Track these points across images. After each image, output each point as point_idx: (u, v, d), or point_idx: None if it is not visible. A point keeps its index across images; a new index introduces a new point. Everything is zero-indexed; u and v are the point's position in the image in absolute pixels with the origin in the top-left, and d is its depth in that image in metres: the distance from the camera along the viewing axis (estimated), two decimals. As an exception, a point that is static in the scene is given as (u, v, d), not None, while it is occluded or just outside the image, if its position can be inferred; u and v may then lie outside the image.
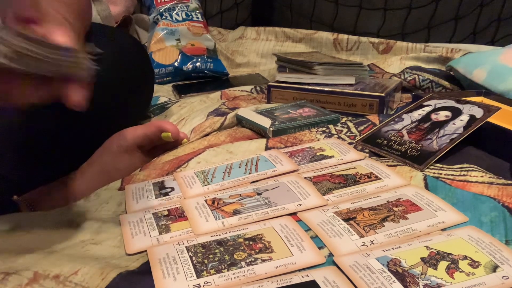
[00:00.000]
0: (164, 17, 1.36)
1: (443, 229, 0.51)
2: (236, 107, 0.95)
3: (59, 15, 0.52)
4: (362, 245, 0.49)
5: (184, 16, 1.37)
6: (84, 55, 0.45)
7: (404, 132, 0.73)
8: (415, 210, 0.54)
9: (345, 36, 1.40)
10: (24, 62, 0.41)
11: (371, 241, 0.50)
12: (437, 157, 0.66)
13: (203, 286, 0.45)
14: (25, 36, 0.42)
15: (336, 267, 0.47)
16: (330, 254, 0.49)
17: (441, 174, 0.63)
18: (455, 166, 0.64)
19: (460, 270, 0.44)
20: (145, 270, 0.48)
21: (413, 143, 0.70)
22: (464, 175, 0.61)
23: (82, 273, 0.46)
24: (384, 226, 0.52)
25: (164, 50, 1.32)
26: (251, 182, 0.65)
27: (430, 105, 0.78)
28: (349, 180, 0.62)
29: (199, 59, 1.32)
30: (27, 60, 0.42)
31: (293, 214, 0.56)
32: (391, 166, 0.66)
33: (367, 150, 0.72)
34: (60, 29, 0.46)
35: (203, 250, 0.50)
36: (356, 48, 1.38)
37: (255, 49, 1.47)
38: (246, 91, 1.12)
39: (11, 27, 0.43)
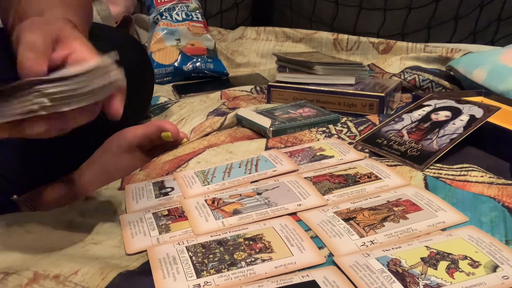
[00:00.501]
0: (164, 17, 1.36)
1: (443, 229, 0.51)
2: (236, 107, 0.95)
3: (68, 22, 0.53)
4: (362, 245, 0.49)
5: (184, 16, 1.37)
6: (114, 68, 0.47)
7: (404, 132, 0.73)
8: (415, 210, 0.54)
9: (345, 36, 1.40)
10: (66, 103, 0.44)
11: (371, 241, 0.50)
12: (437, 157, 0.66)
13: (203, 286, 0.45)
14: (59, 79, 0.44)
15: (336, 267, 0.47)
16: (330, 254, 0.49)
17: (441, 174, 0.63)
18: (455, 166, 0.64)
19: (460, 270, 0.44)
20: (145, 270, 0.48)
21: (413, 143, 0.70)
22: (464, 175, 0.61)
23: (82, 273, 0.46)
24: (384, 226, 0.52)
25: (164, 50, 1.32)
26: (251, 182, 0.65)
27: (430, 105, 0.78)
28: (349, 180, 0.62)
29: (199, 59, 1.32)
30: (68, 101, 0.44)
31: (293, 214, 0.56)
32: (391, 166, 0.66)
33: (367, 150, 0.72)
34: (81, 46, 0.49)
35: (203, 250, 0.50)
36: (356, 48, 1.38)
37: (255, 49, 1.47)
38: (246, 91, 1.12)
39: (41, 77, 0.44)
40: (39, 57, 0.46)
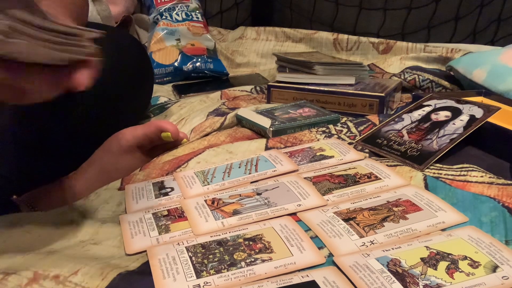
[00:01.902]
0: (164, 17, 1.36)
1: (443, 229, 0.51)
2: (236, 107, 0.95)
3: (60, 16, 0.52)
4: (362, 245, 0.49)
5: (184, 16, 1.37)
6: (85, 35, 0.45)
7: (404, 132, 0.73)
8: (415, 210, 0.54)
9: (345, 36, 1.40)
10: (36, 53, 0.40)
11: (371, 241, 0.50)
12: (437, 157, 0.66)
13: (203, 286, 0.45)
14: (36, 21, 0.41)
15: (336, 267, 0.47)
16: (330, 254, 0.49)
17: (441, 174, 0.63)
18: (455, 166, 0.64)
19: (460, 270, 0.44)
20: (145, 270, 0.48)
21: (413, 143, 0.70)
22: (464, 175, 0.61)
23: (82, 273, 0.46)
24: (384, 226, 0.52)
25: (164, 50, 1.32)
26: (251, 182, 0.65)
27: (430, 105, 0.78)
28: (349, 180, 0.62)
29: (199, 59, 1.32)
30: (38, 50, 0.40)
31: (293, 214, 0.56)
32: (391, 166, 0.66)
33: (367, 150, 0.72)
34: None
35: (203, 250, 0.50)
36: (356, 48, 1.38)
37: (255, 49, 1.47)
38: (246, 91, 1.12)
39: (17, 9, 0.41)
40: None
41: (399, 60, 1.21)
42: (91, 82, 0.44)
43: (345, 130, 0.80)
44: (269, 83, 1.02)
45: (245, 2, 1.71)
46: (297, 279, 0.45)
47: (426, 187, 0.60)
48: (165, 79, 1.30)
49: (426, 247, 0.48)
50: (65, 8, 0.59)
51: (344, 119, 0.85)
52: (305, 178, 0.64)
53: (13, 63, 0.40)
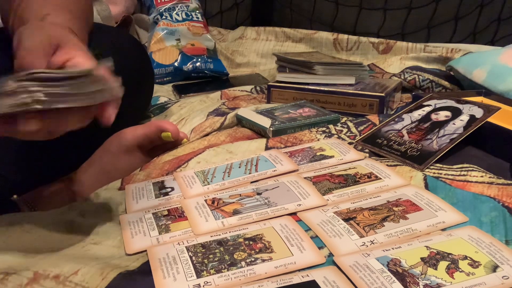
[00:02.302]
0: (164, 17, 1.36)
1: (443, 229, 0.51)
2: (236, 107, 0.95)
3: (68, 28, 0.53)
4: (362, 245, 0.49)
5: (184, 16, 1.37)
6: (109, 76, 0.47)
7: (404, 132, 0.73)
8: (415, 210, 0.54)
9: (345, 36, 1.40)
10: (61, 101, 0.44)
11: (371, 241, 0.50)
12: (437, 157, 0.66)
13: (203, 286, 0.45)
14: (52, 77, 0.44)
15: (336, 267, 0.47)
16: (330, 254, 0.49)
17: (441, 174, 0.63)
18: (455, 166, 0.64)
19: (460, 270, 0.44)
20: (145, 270, 0.48)
21: (413, 143, 0.70)
22: (464, 175, 0.61)
23: (82, 273, 0.46)
24: (384, 226, 0.52)
25: (164, 50, 1.32)
26: (251, 182, 0.65)
27: (430, 105, 0.78)
28: (349, 180, 0.62)
29: (199, 59, 1.32)
30: (63, 99, 0.44)
31: (293, 214, 0.56)
32: (391, 166, 0.66)
33: (367, 150, 0.72)
34: (79, 53, 0.49)
35: (203, 250, 0.50)
36: (356, 48, 1.38)
37: (255, 49, 1.47)
38: (246, 91, 1.12)
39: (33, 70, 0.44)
40: (39, 58, 0.47)
41: (399, 60, 1.21)
42: (113, 118, 0.48)
43: (345, 130, 0.80)
44: (269, 83, 1.02)
45: (245, 2, 1.71)
46: (297, 279, 0.45)
47: (426, 187, 0.60)
48: (165, 79, 1.30)
49: (426, 247, 0.48)
50: (76, 20, 0.60)
51: (344, 119, 0.85)
52: (305, 178, 0.64)
53: (50, 111, 0.44)
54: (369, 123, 0.82)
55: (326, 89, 0.96)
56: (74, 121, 0.47)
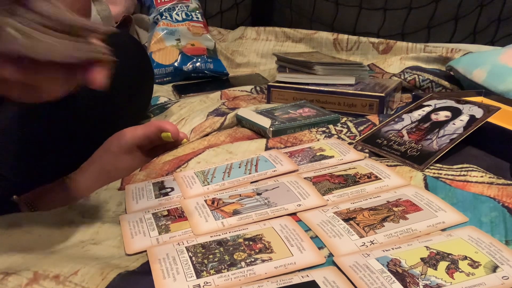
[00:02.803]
0: (164, 17, 1.36)
1: (443, 229, 0.51)
2: (236, 107, 0.95)
3: None
4: (362, 245, 0.49)
5: (184, 16, 1.37)
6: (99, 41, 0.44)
7: (404, 132, 0.73)
8: (415, 210, 0.54)
9: (345, 36, 1.40)
10: (53, 52, 0.40)
11: (371, 241, 0.50)
12: (437, 157, 0.66)
13: (203, 286, 0.45)
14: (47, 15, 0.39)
15: (336, 267, 0.47)
16: (330, 254, 0.49)
17: (441, 174, 0.63)
18: (455, 166, 0.64)
19: (460, 270, 0.44)
20: (145, 270, 0.48)
21: (413, 143, 0.70)
22: (464, 175, 0.61)
23: (82, 273, 0.46)
24: (384, 226, 0.52)
25: (164, 50, 1.32)
26: (251, 182, 0.65)
27: (430, 105, 0.78)
28: (349, 180, 0.62)
29: (199, 59, 1.32)
30: (55, 48, 0.40)
31: (293, 214, 0.56)
32: (391, 166, 0.66)
33: (367, 150, 0.72)
34: None
35: (203, 250, 0.50)
36: (356, 48, 1.38)
37: (255, 49, 1.47)
38: (246, 91, 1.12)
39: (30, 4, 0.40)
40: None
41: (399, 60, 1.21)
42: (107, 82, 0.44)
43: (345, 130, 0.80)
44: (269, 83, 1.02)
45: (245, 2, 1.72)
46: (297, 279, 0.45)
47: (426, 187, 0.60)
48: (165, 79, 1.30)
49: (426, 247, 0.48)
50: (73, 8, 0.59)
51: (344, 119, 0.85)
52: (305, 178, 0.64)
53: (28, 61, 0.40)
54: (369, 123, 0.82)
55: (326, 89, 0.96)
56: (55, 80, 0.42)
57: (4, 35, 0.38)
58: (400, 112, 0.79)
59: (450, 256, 0.46)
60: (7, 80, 0.40)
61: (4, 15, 0.38)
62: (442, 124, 0.73)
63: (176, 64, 1.30)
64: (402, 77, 1.09)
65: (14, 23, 0.39)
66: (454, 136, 0.69)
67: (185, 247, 0.51)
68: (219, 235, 0.53)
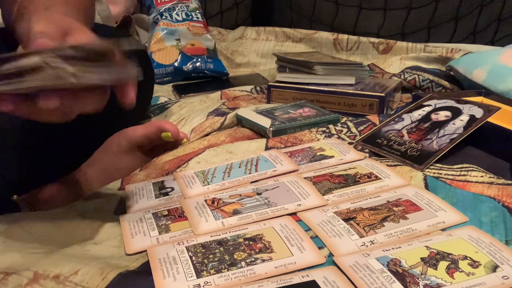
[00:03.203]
0: (164, 17, 1.36)
1: (443, 229, 0.51)
2: (236, 107, 0.95)
3: (72, 19, 0.53)
4: (362, 245, 0.49)
5: (184, 16, 1.37)
6: (126, 60, 0.48)
7: (404, 132, 0.73)
8: (415, 210, 0.54)
9: (345, 36, 1.40)
10: (88, 78, 0.43)
11: (371, 241, 0.50)
12: (437, 157, 0.66)
13: (203, 286, 0.45)
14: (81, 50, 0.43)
15: (336, 267, 0.47)
16: (330, 254, 0.49)
17: (441, 174, 0.63)
18: (455, 166, 0.64)
19: (460, 270, 0.44)
20: (145, 270, 0.48)
21: (413, 143, 0.70)
22: (464, 175, 0.61)
23: (82, 273, 0.46)
24: (384, 226, 0.52)
25: (164, 50, 1.32)
26: (251, 182, 0.65)
27: (430, 105, 0.78)
28: (349, 180, 0.62)
29: (199, 59, 1.32)
30: (90, 75, 0.43)
31: (293, 214, 0.56)
32: (391, 166, 0.66)
33: (367, 150, 0.72)
34: (90, 38, 0.49)
35: (203, 250, 0.50)
36: (356, 48, 1.38)
37: (255, 49, 1.47)
38: (246, 91, 1.12)
39: (63, 45, 0.44)
40: (52, 40, 0.46)
41: (399, 60, 1.21)
42: (135, 99, 0.49)
43: (345, 130, 0.80)
44: (269, 83, 1.02)
45: (245, 2, 1.71)
46: (297, 279, 0.45)
47: (426, 187, 0.60)
48: (165, 79, 1.30)
49: (426, 247, 0.48)
50: (78, 14, 0.60)
51: (344, 119, 0.85)
52: (305, 178, 0.64)
53: (66, 90, 0.43)
54: (369, 123, 0.82)
55: (326, 89, 0.96)
56: (91, 102, 0.47)
57: (59, 74, 0.42)
58: (400, 112, 0.79)
59: (450, 256, 0.46)
60: (50, 111, 0.44)
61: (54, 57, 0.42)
62: (442, 124, 0.73)
63: (176, 64, 1.30)
64: (402, 77, 1.09)
65: (65, 67, 0.42)
66: (454, 136, 0.69)
67: (185, 247, 0.51)
68: (219, 235, 0.53)
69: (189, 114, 0.95)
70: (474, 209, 0.54)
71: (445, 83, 1.07)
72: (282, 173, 0.66)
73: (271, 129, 0.80)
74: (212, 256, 0.49)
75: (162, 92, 1.20)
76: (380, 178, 0.62)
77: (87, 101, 0.46)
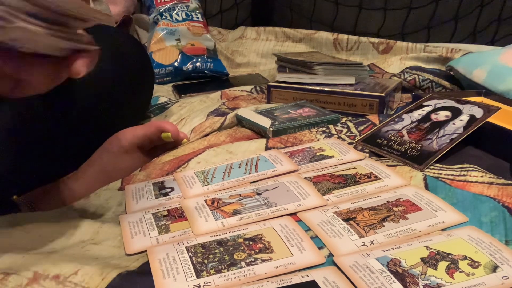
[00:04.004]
0: (164, 17, 1.36)
1: (443, 229, 0.51)
2: (236, 107, 0.95)
3: None
4: (362, 245, 0.49)
5: (184, 16, 1.37)
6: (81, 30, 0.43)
7: (404, 132, 0.73)
8: (415, 210, 0.54)
9: (345, 36, 1.40)
10: (37, 42, 0.38)
11: (371, 241, 0.50)
12: (437, 157, 0.66)
13: (203, 286, 0.45)
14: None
15: (336, 267, 0.47)
16: (330, 254, 0.49)
17: (441, 174, 0.63)
18: (455, 166, 0.64)
19: (460, 270, 0.44)
20: (145, 270, 0.48)
21: (413, 143, 0.70)
22: (464, 175, 0.61)
23: (82, 273, 0.46)
24: (384, 226, 0.52)
25: (164, 50, 1.32)
26: (251, 182, 0.65)
27: (430, 105, 0.78)
28: (349, 180, 0.62)
29: (199, 59, 1.32)
30: (40, 38, 0.38)
31: (293, 214, 0.56)
32: (391, 166, 0.66)
33: (367, 150, 0.72)
34: None
35: (203, 250, 0.50)
36: (356, 48, 1.38)
37: (255, 49, 1.47)
38: (246, 91, 1.12)
39: None
40: None
41: (399, 60, 1.21)
42: (88, 71, 0.42)
43: (345, 130, 0.80)
44: (269, 83, 1.02)
45: (245, 2, 1.72)
46: (297, 279, 0.45)
47: (426, 187, 0.60)
48: (165, 79, 1.30)
49: (426, 247, 0.48)
50: None
51: (344, 119, 0.85)
52: (305, 178, 0.64)
53: (13, 53, 0.39)
54: (369, 123, 0.82)
55: (326, 89, 0.96)
56: (41, 72, 0.41)
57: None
58: (400, 112, 0.79)
59: (450, 256, 0.46)
60: None
61: None
62: (442, 124, 0.73)
63: (176, 64, 1.30)
64: (402, 77, 1.09)
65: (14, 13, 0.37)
66: (454, 136, 0.69)
67: (185, 247, 0.51)
68: (219, 235, 0.53)
69: (189, 114, 0.95)
70: (474, 209, 0.54)
71: (445, 83, 1.07)
72: (282, 173, 0.66)
73: (271, 129, 0.80)
74: (212, 256, 0.49)
75: (162, 92, 1.20)
76: (380, 178, 0.62)
77: (39, 71, 0.41)
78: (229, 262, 0.48)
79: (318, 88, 0.97)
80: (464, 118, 0.72)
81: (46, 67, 0.41)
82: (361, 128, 0.80)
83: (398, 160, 0.68)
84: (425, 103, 0.80)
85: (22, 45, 0.38)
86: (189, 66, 1.31)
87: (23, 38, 0.38)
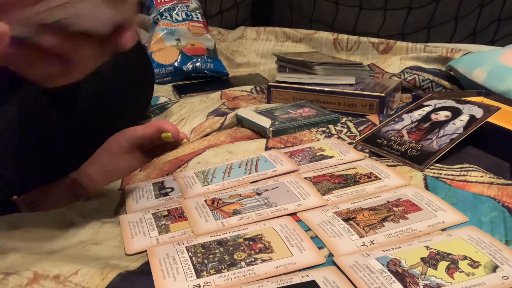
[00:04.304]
0: (164, 17, 1.36)
1: (443, 229, 0.51)
2: (236, 107, 0.95)
3: None
4: (362, 245, 0.49)
5: (184, 16, 1.37)
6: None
7: (404, 132, 0.73)
8: (415, 210, 0.54)
9: (345, 36, 1.40)
10: (95, 19, 0.39)
11: (371, 241, 0.50)
12: (437, 157, 0.66)
13: (203, 286, 0.45)
14: None
15: (336, 267, 0.47)
16: (330, 254, 0.49)
17: (441, 174, 0.63)
18: (455, 166, 0.64)
19: (460, 270, 0.44)
20: (145, 270, 0.48)
21: (413, 143, 0.70)
22: (464, 175, 0.61)
23: (82, 273, 0.46)
24: (384, 226, 0.52)
25: (164, 50, 1.32)
26: (251, 182, 0.65)
27: (430, 105, 0.78)
28: (349, 180, 0.62)
29: (199, 59, 1.32)
30: (91, 18, 0.39)
31: (293, 214, 0.56)
32: (391, 166, 0.66)
33: (367, 150, 0.72)
34: None
35: (203, 250, 0.50)
36: (356, 48, 1.38)
37: (255, 49, 1.47)
38: (246, 91, 1.12)
39: None
40: None
41: (399, 60, 1.21)
42: (134, 43, 0.43)
43: (345, 130, 0.80)
44: (269, 83, 1.02)
45: (245, 2, 1.71)
46: (297, 279, 0.45)
47: (426, 187, 0.60)
48: (165, 79, 1.30)
49: (426, 247, 0.48)
50: None
51: (344, 119, 0.85)
52: (305, 178, 0.64)
53: (65, 32, 0.39)
54: (369, 123, 0.82)
55: (326, 89, 0.96)
56: (89, 51, 0.41)
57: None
58: (400, 112, 0.79)
59: (450, 256, 0.46)
60: (44, 53, 0.39)
61: None
62: (442, 124, 0.73)
63: (176, 64, 1.30)
64: (402, 77, 1.09)
65: None
66: (454, 136, 0.69)
67: (185, 247, 0.51)
68: (219, 235, 0.53)
69: (189, 114, 0.95)
70: (474, 209, 0.54)
71: (445, 83, 1.07)
72: (282, 173, 0.66)
73: (271, 129, 0.80)
74: (212, 256, 0.49)
75: (162, 92, 1.20)
76: (380, 178, 0.62)
77: (87, 50, 0.41)
78: (229, 262, 0.48)
79: (318, 88, 0.97)
80: (464, 118, 0.72)
81: (94, 46, 0.41)
82: (361, 128, 0.80)
83: (398, 160, 0.68)
84: (425, 103, 0.80)
85: (77, 23, 0.38)
86: (189, 66, 1.31)
87: (85, 13, 0.38)
